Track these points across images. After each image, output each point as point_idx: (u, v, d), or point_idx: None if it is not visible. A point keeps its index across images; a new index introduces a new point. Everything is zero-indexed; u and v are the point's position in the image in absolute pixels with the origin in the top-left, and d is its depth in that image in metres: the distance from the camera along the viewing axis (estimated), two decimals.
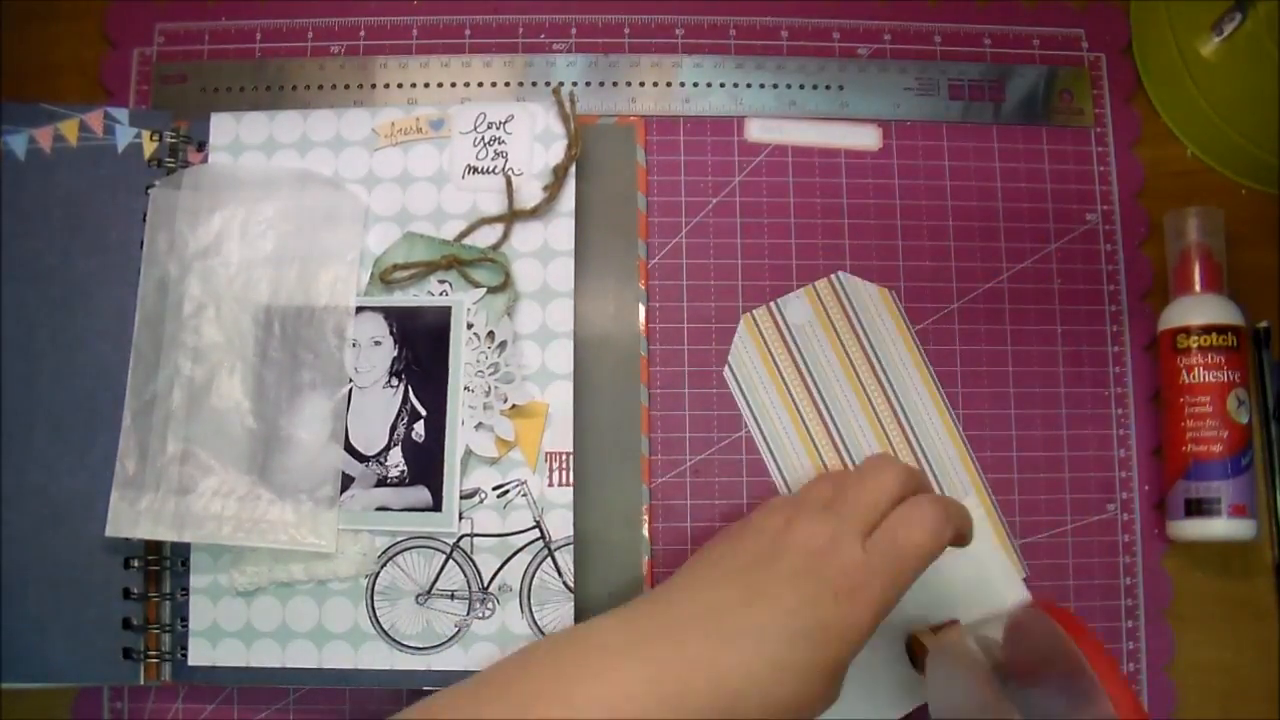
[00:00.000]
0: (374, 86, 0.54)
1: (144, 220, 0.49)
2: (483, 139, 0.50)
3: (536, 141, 0.50)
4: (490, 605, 0.47)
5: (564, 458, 0.48)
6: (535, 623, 0.47)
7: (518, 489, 0.47)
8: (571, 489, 0.47)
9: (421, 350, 0.48)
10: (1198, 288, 0.51)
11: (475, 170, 0.50)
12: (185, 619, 0.48)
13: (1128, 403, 0.52)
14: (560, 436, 0.48)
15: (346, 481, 0.47)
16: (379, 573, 0.47)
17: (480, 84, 0.54)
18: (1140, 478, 0.52)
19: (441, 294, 0.49)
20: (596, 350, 0.50)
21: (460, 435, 0.47)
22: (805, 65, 0.55)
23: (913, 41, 0.55)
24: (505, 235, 0.49)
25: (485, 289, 0.48)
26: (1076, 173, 0.54)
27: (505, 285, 0.48)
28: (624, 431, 0.50)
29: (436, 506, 0.47)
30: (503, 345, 0.48)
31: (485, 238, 0.49)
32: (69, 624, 0.47)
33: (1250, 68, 0.50)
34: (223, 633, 0.47)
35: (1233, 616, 0.51)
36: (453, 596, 0.47)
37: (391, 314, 0.48)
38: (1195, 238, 0.51)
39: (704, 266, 0.52)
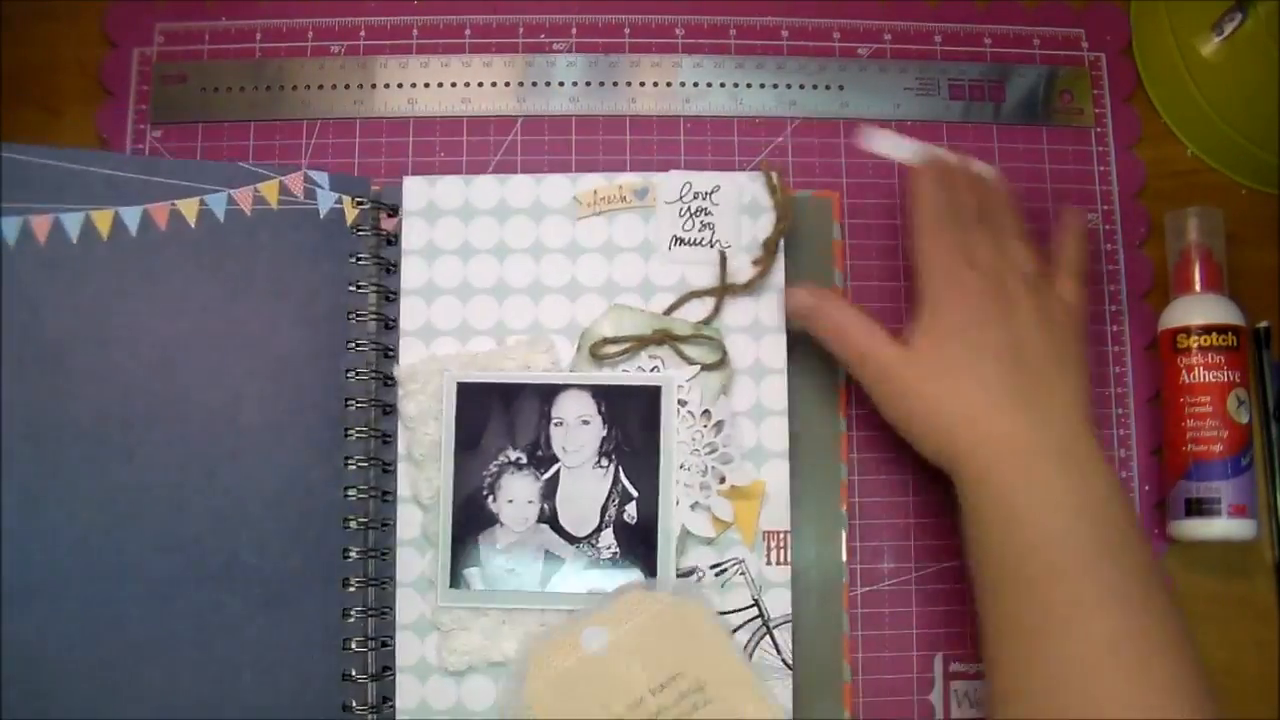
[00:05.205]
0: (374, 86, 0.54)
1: (350, 289, 0.48)
2: (688, 209, 0.49)
3: (743, 213, 0.48)
4: None
5: (781, 536, 0.47)
6: None
7: (735, 568, 0.46)
8: (789, 567, 0.46)
9: (631, 429, 0.47)
10: (1198, 288, 0.51)
11: (681, 241, 0.48)
12: (389, 698, 0.46)
13: (1128, 403, 0.52)
14: (778, 515, 0.47)
15: (557, 563, 0.46)
16: None
17: (480, 84, 0.54)
18: (1140, 478, 0.52)
19: (652, 369, 0.47)
20: (799, 427, 0.49)
21: (675, 515, 0.46)
22: (805, 65, 0.54)
23: (913, 41, 0.55)
24: (716, 310, 0.48)
25: (699, 366, 0.47)
26: (1076, 173, 0.54)
27: (722, 362, 0.47)
28: (824, 507, 0.49)
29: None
30: (719, 425, 0.46)
31: (693, 312, 0.48)
32: (289, 710, 0.45)
33: (1250, 68, 0.50)
34: (432, 712, 0.46)
35: (1233, 616, 0.51)
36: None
37: (599, 392, 0.47)
38: (1195, 238, 0.51)
39: None
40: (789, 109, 0.54)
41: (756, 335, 0.48)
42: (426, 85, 0.54)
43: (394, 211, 0.50)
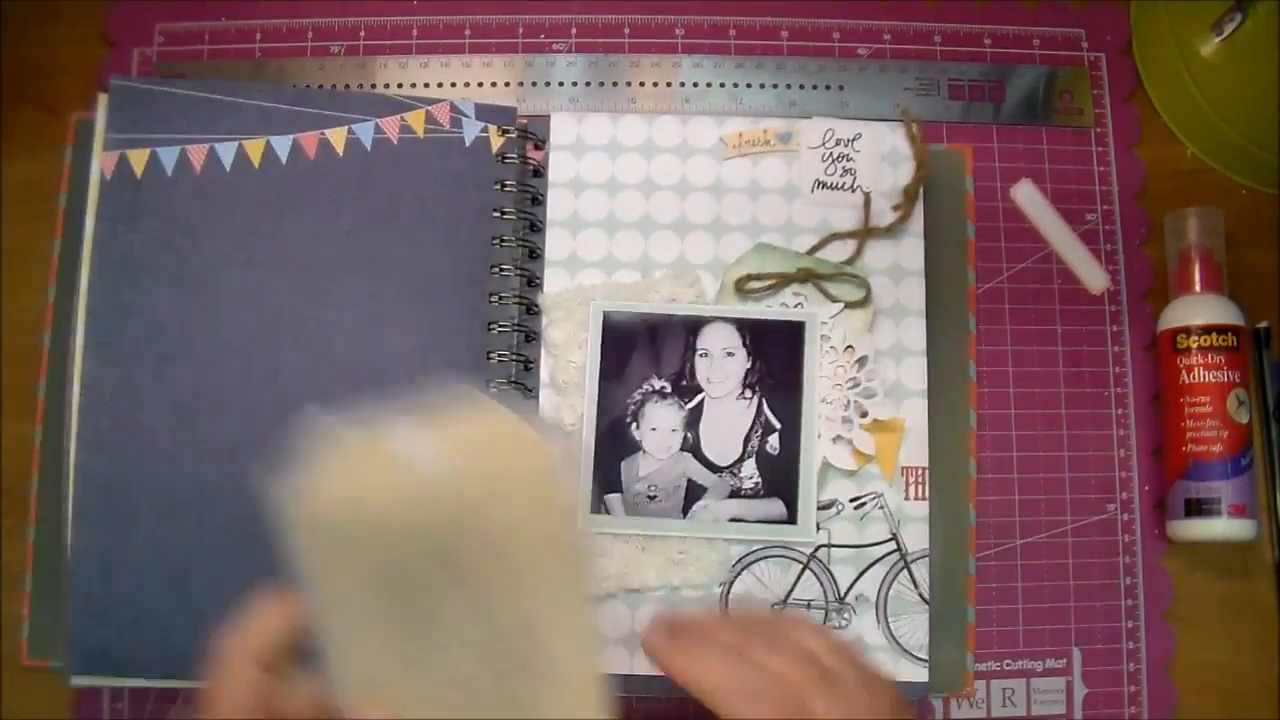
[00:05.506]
0: (374, 86, 0.54)
1: (495, 216, 0.49)
2: (830, 154, 0.50)
3: (884, 161, 0.50)
4: (847, 615, 0.47)
5: (920, 472, 0.48)
6: (891, 633, 0.47)
7: (875, 501, 0.47)
8: (928, 503, 0.48)
9: (775, 363, 0.48)
10: (1198, 288, 0.51)
11: (824, 185, 0.50)
12: None
13: (1128, 403, 0.52)
14: (917, 451, 0.48)
15: (699, 491, 0.47)
16: (733, 581, 0.47)
17: (480, 84, 0.54)
18: (1140, 478, 0.52)
19: (796, 306, 0.49)
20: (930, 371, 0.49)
21: (817, 448, 0.47)
22: (805, 65, 0.54)
23: (913, 41, 0.55)
24: (858, 252, 0.49)
25: (843, 304, 0.48)
26: (1076, 173, 0.54)
27: (866, 301, 0.48)
28: (954, 452, 0.49)
29: (791, 519, 0.47)
30: (863, 360, 0.48)
31: (834, 253, 0.49)
32: None
33: (1250, 68, 0.50)
34: None
35: (1233, 616, 0.51)
36: (809, 606, 0.47)
37: (744, 325, 0.48)
38: (1195, 238, 0.51)
39: None
40: (789, 109, 0.54)
41: (896, 278, 0.49)
42: (426, 85, 0.54)
43: (540, 144, 0.50)
